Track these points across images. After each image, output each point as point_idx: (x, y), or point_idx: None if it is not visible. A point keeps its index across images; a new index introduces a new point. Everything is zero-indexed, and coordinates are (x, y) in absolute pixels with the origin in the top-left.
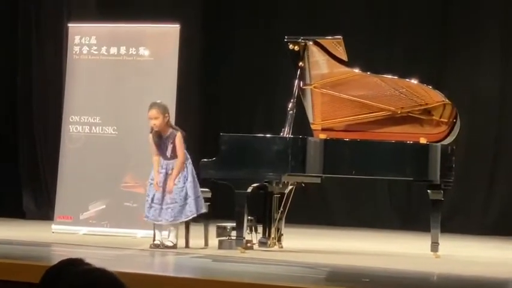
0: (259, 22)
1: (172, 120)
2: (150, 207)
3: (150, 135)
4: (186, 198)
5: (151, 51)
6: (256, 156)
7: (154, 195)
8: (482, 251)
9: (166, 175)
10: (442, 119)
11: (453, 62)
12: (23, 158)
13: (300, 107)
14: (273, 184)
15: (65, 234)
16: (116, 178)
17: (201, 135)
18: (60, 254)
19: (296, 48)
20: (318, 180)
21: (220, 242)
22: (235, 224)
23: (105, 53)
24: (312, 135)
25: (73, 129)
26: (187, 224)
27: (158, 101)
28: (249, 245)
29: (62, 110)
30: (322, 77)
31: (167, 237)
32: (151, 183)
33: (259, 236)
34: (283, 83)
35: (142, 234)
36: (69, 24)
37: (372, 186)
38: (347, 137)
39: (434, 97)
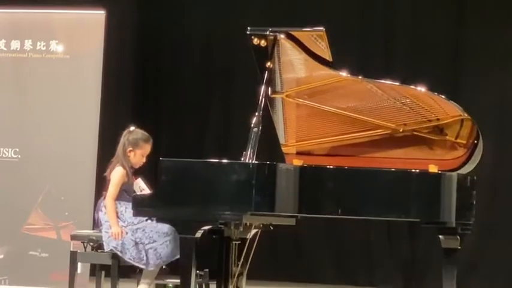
0: (215, 7)
1: (96, 138)
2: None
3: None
4: None
5: (67, 45)
6: (208, 189)
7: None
8: None
9: None
10: (458, 140)
11: (474, 61)
12: None
13: (268, 123)
14: (230, 227)
15: None
16: (17, 218)
17: None
18: None
19: (263, 43)
20: (292, 222)
21: None
22: (179, 281)
23: (4, 48)
24: (283, 161)
25: None
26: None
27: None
28: None
29: None
30: (297, 83)
31: None
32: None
33: None
34: (244, 90)
35: None
36: None
37: (365, 230)
38: (331, 163)
39: (449, 110)
